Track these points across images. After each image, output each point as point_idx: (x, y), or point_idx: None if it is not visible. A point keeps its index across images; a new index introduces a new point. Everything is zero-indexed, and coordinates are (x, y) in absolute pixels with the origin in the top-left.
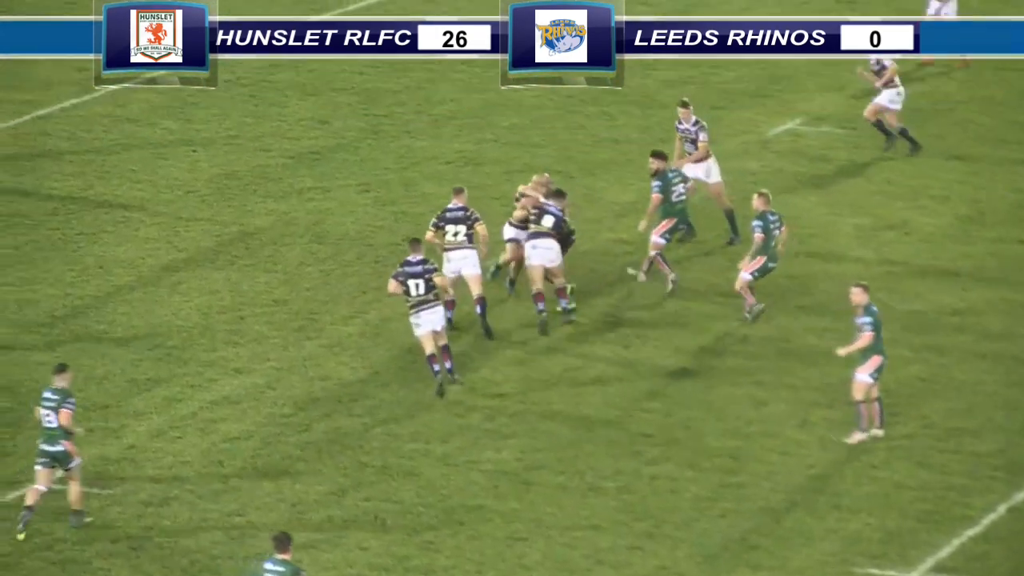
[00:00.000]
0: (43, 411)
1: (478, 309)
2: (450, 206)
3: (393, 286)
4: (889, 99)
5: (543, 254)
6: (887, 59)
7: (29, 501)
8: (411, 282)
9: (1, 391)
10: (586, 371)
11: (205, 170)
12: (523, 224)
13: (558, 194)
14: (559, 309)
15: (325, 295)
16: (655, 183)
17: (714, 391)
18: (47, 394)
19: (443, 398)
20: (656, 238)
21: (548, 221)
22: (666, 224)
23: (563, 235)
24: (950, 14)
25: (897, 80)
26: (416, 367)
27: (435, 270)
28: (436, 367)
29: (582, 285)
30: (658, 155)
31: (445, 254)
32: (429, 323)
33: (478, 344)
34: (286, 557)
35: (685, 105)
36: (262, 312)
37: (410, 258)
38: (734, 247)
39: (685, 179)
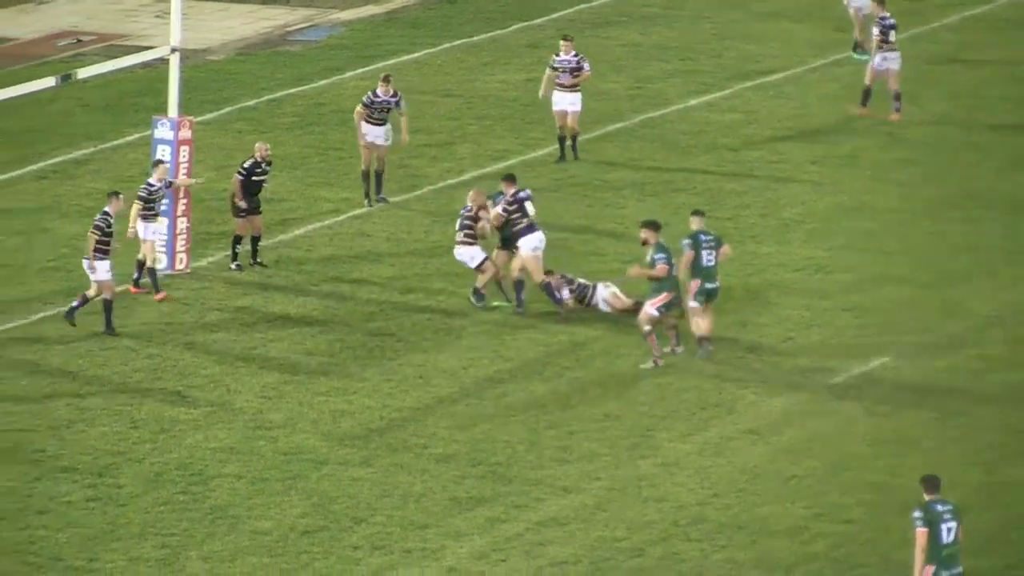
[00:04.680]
0: (704, 252)
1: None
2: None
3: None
4: (571, 101)
5: (542, 242)
6: (587, 63)
7: (702, 330)
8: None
9: (315, 508)
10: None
11: None
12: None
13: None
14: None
15: (661, 410)
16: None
17: None
18: (703, 237)
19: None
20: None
21: (531, 208)
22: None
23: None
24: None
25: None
26: (757, 489)
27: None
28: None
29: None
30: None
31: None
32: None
33: (825, 466)
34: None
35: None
36: (593, 428)
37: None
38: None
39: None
